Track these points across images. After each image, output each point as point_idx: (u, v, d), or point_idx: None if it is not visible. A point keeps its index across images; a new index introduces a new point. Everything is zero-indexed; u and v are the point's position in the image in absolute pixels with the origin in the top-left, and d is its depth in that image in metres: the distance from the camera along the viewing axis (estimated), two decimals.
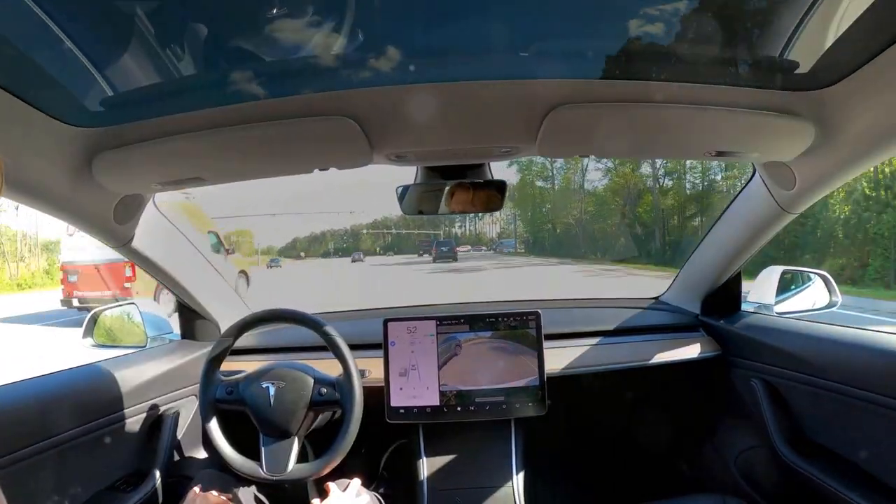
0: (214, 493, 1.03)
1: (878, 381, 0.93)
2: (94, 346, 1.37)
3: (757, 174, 1.11)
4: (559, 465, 1.52)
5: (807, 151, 0.87)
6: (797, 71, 0.74)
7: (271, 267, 29.03)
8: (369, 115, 0.79)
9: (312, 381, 1.08)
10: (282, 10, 0.67)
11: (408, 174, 1.13)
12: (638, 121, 0.83)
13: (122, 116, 0.79)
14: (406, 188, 1.10)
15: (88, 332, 1.38)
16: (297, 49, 0.75)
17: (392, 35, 0.72)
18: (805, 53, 0.72)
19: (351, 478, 1.12)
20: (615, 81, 0.77)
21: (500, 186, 1.09)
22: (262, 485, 1.16)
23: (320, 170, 0.97)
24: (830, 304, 1.38)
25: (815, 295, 1.40)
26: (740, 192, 1.23)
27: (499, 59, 0.76)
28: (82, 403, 1.00)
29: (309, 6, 0.67)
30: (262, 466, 1.04)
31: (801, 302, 1.41)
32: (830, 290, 1.39)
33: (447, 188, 1.09)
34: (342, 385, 1.07)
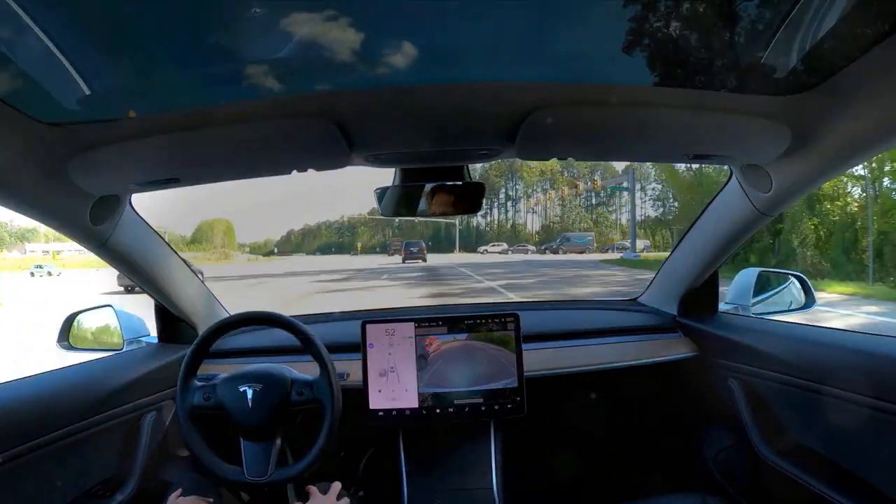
0: (195, 497, 1.02)
1: (854, 380, 0.95)
2: (69, 349, 1.35)
3: (734, 177, 1.13)
4: (539, 465, 1.52)
5: (783, 155, 0.88)
6: (775, 76, 0.75)
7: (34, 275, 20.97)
8: (348, 117, 0.80)
9: (290, 381, 1.07)
10: (262, 11, 0.67)
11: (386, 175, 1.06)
12: (617, 124, 0.85)
13: (100, 116, 0.78)
14: (384, 190, 1.09)
15: (64, 334, 1.35)
16: (277, 50, 0.74)
17: (371, 37, 0.71)
18: (783, 58, 0.72)
19: (331, 481, 1.12)
20: (594, 85, 0.77)
21: (479, 189, 1.09)
22: (243, 488, 1.15)
23: (298, 171, 0.96)
24: (806, 305, 1.41)
25: (791, 296, 1.43)
26: (717, 194, 1.24)
27: (478, 61, 0.76)
28: (58, 408, 0.98)
29: (289, 7, 0.67)
30: (244, 470, 1.03)
31: (777, 303, 1.43)
32: (807, 292, 1.42)
33: (426, 190, 1.09)
34: (320, 384, 1.07)
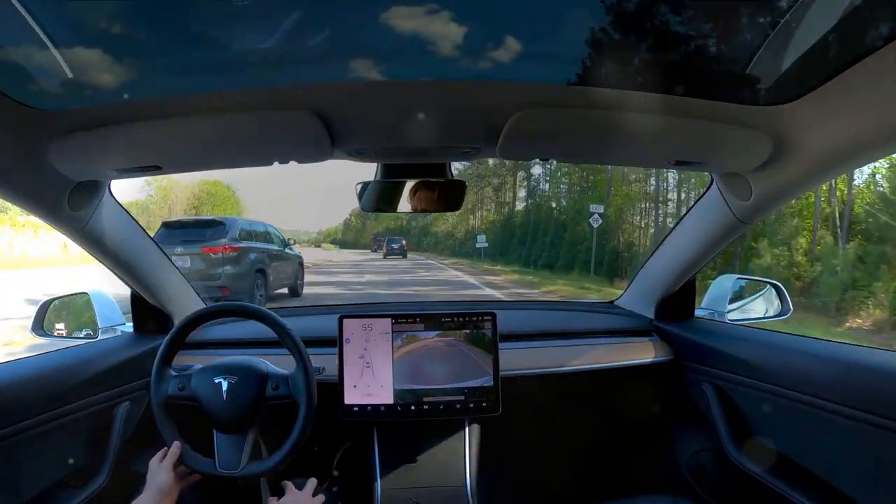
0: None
1: (824, 387, 0.97)
2: (44, 336, 1.33)
3: (714, 184, 1.14)
4: (512, 464, 1.53)
5: (763, 164, 0.89)
6: (758, 86, 0.77)
7: None
8: (332, 110, 0.79)
9: (266, 375, 1.06)
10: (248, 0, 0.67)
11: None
12: (600, 127, 0.85)
13: (82, 100, 0.77)
14: (366, 184, 1.10)
15: (38, 321, 1.34)
16: (262, 40, 0.74)
17: (357, 30, 0.72)
18: (767, 69, 0.74)
19: (305, 476, 1.11)
20: (579, 88, 0.78)
21: (460, 186, 1.10)
22: (214, 481, 1.14)
23: (280, 163, 0.96)
24: (782, 313, 1.43)
25: (767, 303, 1.45)
26: (697, 201, 1.26)
27: (465, 59, 0.76)
28: (30, 396, 0.97)
29: None
30: (215, 462, 1.02)
31: (753, 310, 1.45)
32: (782, 300, 1.43)
33: (407, 186, 1.10)
34: (296, 379, 1.06)
